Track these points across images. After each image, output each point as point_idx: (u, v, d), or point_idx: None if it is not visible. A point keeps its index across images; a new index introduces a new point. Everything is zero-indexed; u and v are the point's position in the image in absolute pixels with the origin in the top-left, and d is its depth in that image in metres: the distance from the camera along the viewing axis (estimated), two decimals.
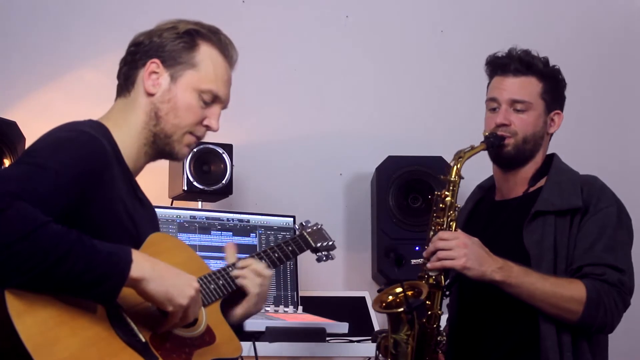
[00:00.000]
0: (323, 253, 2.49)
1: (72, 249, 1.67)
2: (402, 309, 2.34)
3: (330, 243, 2.49)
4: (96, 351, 1.73)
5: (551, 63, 2.65)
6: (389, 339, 2.42)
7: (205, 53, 2.01)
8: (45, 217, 1.66)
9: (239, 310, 2.14)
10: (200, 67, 2.00)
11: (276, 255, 2.27)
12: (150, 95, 1.99)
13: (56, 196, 1.73)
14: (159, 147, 2.02)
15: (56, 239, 1.66)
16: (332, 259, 2.52)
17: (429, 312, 2.44)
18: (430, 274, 2.46)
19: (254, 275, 2.13)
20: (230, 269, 2.12)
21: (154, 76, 1.98)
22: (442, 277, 2.48)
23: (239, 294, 2.13)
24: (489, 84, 2.68)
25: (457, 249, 2.39)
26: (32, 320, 1.66)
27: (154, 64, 1.98)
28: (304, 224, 2.48)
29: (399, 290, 2.44)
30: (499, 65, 2.63)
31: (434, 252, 2.42)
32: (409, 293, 2.39)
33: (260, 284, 2.13)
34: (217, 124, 2.05)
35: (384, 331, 3.19)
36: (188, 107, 2.00)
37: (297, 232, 2.45)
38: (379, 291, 3.67)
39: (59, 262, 1.65)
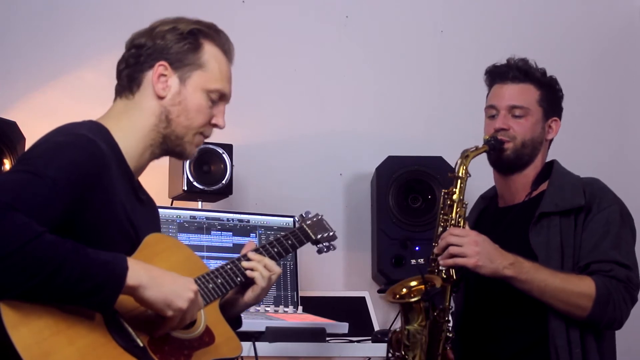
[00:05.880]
0: (324, 244, 2.45)
1: (67, 259, 1.66)
2: (419, 297, 2.35)
3: (332, 234, 2.46)
4: (94, 359, 1.73)
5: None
6: (401, 332, 2.42)
7: (210, 52, 2.02)
8: (40, 227, 1.65)
9: (242, 301, 2.16)
10: (206, 67, 2.01)
11: (275, 249, 2.25)
12: (160, 98, 1.99)
13: (52, 204, 1.72)
14: (169, 148, 2.04)
15: (51, 250, 1.65)
16: (333, 249, 2.48)
17: (441, 306, 2.44)
18: (441, 268, 2.48)
19: (264, 269, 2.15)
20: (239, 260, 2.14)
21: (163, 79, 1.99)
22: (453, 271, 2.49)
23: (243, 285, 2.15)
24: (488, 92, 2.71)
25: (468, 246, 2.41)
26: (28, 331, 1.66)
27: (162, 67, 1.98)
28: (304, 215, 2.45)
29: (413, 283, 2.45)
30: (497, 74, 2.68)
31: (445, 248, 2.44)
32: (422, 287, 2.40)
33: (269, 279, 2.15)
34: (224, 121, 2.07)
35: (385, 332, 3.20)
36: (199, 109, 2.01)
37: (297, 225, 2.42)
38: (379, 291, 3.69)
39: (54, 273, 1.64)
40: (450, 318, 2.48)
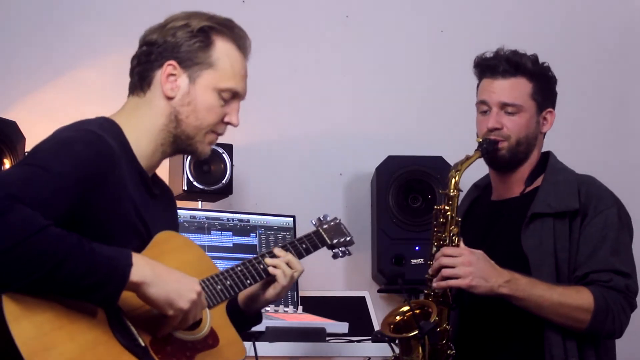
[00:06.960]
0: (340, 249, 2.38)
1: (71, 253, 1.66)
2: (414, 333, 2.30)
3: (348, 239, 2.39)
4: (94, 356, 1.72)
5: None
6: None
7: (221, 49, 1.98)
8: (45, 220, 1.65)
9: (263, 297, 2.16)
10: (217, 65, 1.97)
11: (290, 253, 2.21)
12: (169, 98, 1.96)
13: (58, 199, 1.72)
14: (180, 147, 2.01)
15: (55, 243, 1.65)
16: (349, 254, 2.41)
17: (438, 329, 2.38)
18: (437, 291, 2.43)
19: (286, 266, 2.14)
20: (261, 257, 2.12)
21: (171, 79, 1.95)
22: (449, 292, 2.44)
23: (266, 282, 2.15)
24: (478, 85, 2.65)
25: (461, 267, 2.35)
26: (29, 325, 1.65)
27: (170, 66, 1.95)
28: (321, 219, 2.39)
29: (406, 309, 2.41)
30: (487, 67, 2.58)
31: (439, 270, 2.38)
32: (417, 312, 2.35)
33: (291, 276, 2.14)
34: (238, 119, 2.04)
35: (385, 334, 3.19)
36: (209, 108, 1.98)
37: (314, 228, 2.36)
38: (379, 291, 3.69)
39: (58, 266, 1.64)
40: (449, 337, 2.44)
